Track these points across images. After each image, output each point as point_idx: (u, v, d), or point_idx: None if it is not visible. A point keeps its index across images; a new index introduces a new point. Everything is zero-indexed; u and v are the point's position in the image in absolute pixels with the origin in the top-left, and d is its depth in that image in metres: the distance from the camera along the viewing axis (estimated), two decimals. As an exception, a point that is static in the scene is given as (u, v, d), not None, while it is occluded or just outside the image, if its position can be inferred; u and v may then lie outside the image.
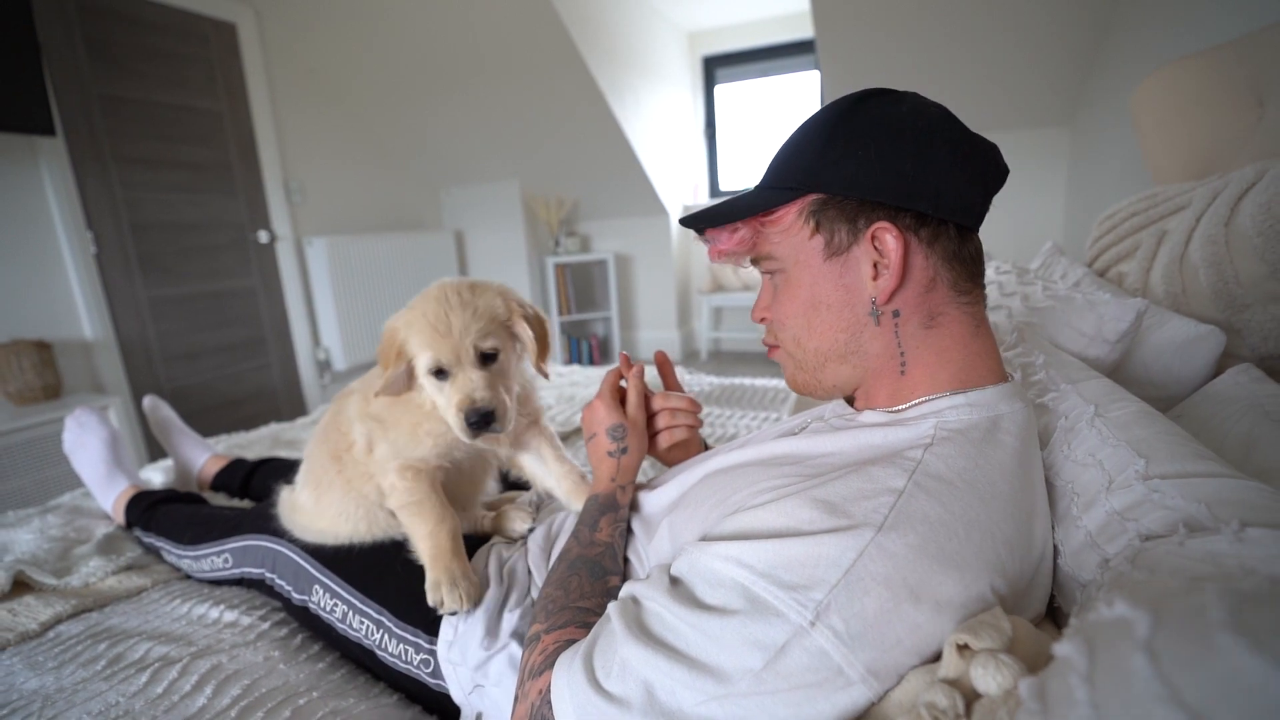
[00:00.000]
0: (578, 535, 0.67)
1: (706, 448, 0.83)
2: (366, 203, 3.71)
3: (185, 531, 1.00)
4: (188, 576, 1.00)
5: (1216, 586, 0.21)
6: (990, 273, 1.16)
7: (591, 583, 0.60)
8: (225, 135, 2.98)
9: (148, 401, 1.34)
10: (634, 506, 0.70)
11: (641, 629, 0.45)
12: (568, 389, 1.71)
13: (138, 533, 1.07)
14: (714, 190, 4.42)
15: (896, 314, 0.52)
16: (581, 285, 4.26)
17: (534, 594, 0.71)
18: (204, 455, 1.29)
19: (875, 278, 0.51)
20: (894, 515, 0.41)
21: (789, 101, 4.19)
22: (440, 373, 0.71)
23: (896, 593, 0.39)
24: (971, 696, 0.34)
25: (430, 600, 0.69)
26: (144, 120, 2.67)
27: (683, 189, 4.23)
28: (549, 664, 0.50)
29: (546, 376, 0.79)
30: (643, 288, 4.27)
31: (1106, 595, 0.30)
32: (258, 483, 1.19)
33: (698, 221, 0.59)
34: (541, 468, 0.85)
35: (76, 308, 2.49)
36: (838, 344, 0.54)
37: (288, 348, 3.34)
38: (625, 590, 0.51)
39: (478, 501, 0.91)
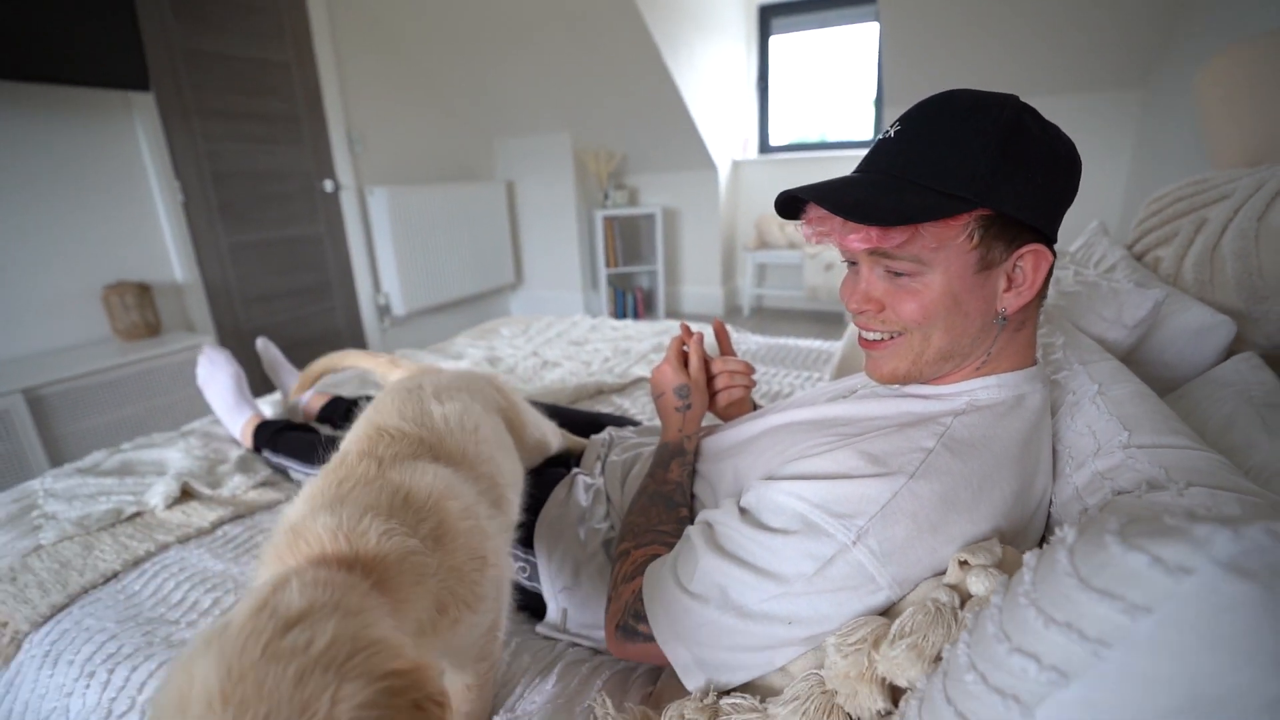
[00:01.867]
0: (653, 474, 0.79)
1: (755, 406, 0.96)
2: (422, 152, 3.83)
3: (311, 453, 1.18)
4: (311, 493, 1.19)
5: (1120, 511, 0.32)
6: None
7: (666, 512, 0.74)
8: (293, 86, 3.11)
9: (260, 343, 1.53)
10: (698, 453, 0.84)
11: (717, 545, 0.59)
12: (622, 343, 1.84)
13: (266, 454, 1.27)
14: (764, 145, 4.37)
15: (1005, 321, 0.58)
16: (629, 238, 4.34)
17: (612, 514, 0.86)
18: (308, 391, 1.48)
19: (1008, 290, 0.56)
20: (923, 468, 0.54)
21: (845, 54, 4.08)
22: None
23: (920, 526, 0.52)
24: (965, 597, 0.47)
25: None
26: (221, 73, 2.82)
27: (732, 143, 4.21)
28: (639, 571, 0.65)
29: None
30: (688, 242, 4.32)
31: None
32: (357, 416, 1.38)
33: (852, 207, 0.55)
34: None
35: (169, 253, 2.72)
36: (960, 345, 0.59)
37: (350, 292, 3.55)
38: (701, 517, 0.65)
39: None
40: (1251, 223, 0.89)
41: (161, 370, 2.42)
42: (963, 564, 0.49)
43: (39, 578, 0.90)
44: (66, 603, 0.86)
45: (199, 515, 1.06)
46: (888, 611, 0.52)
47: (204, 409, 2.53)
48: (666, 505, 0.75)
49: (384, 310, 3.68)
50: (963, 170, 0.52)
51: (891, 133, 0.58)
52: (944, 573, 0.51)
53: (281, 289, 3.21)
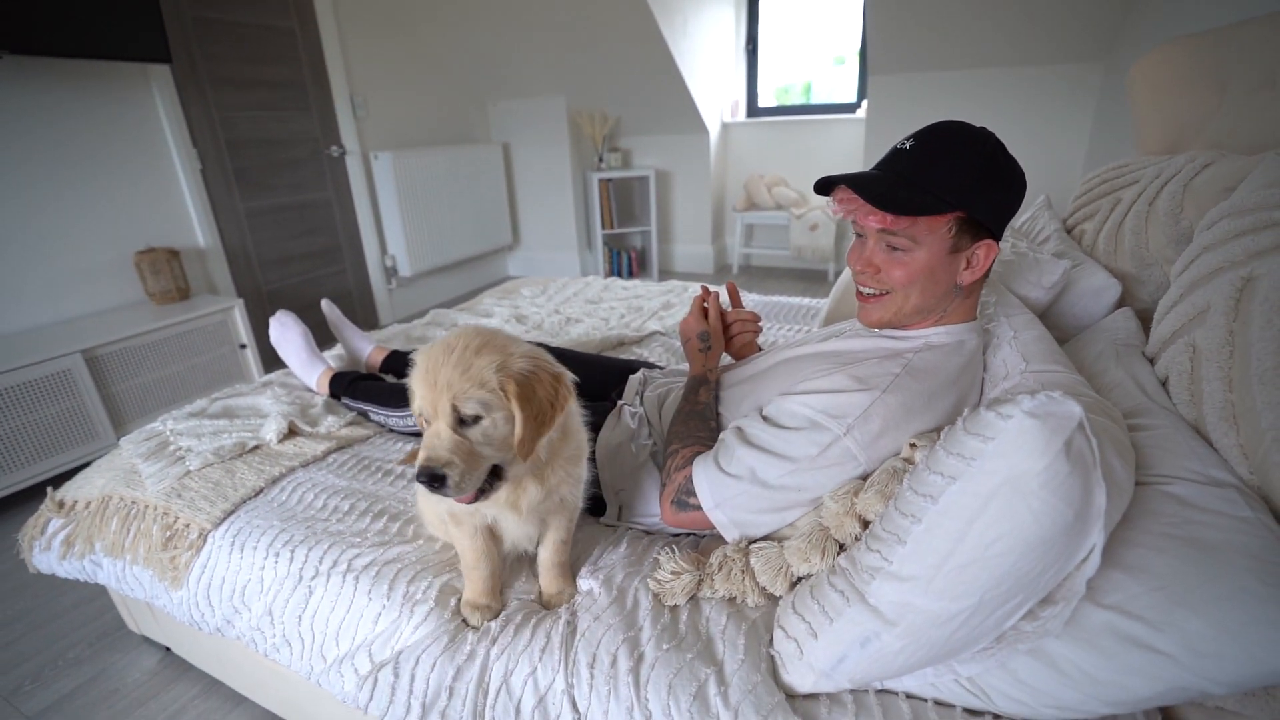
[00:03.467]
0: (687, 398, 1.04)
1: (759, 349, 1.22)
2: (422, 116, 3.93)
3: (389, 399, 1.42)
4: (390, 430, 1.44)
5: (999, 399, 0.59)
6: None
7: (701, 424, 0.99)
8: (298, 53, 3.19)
9: (325, 304, 1.74)
10: (719, 383, 1.10)
11: (746, 440, 0.85)
12: (634, 301, 2.09)
13: (345, 400, 1.50)
14: (752, 108, 4.52)
15: (960, 290, 0.84)
16: (623, 200, 4.51)
17: (654, 435, 1.11)
18: (369, 346, 1.71)
19: (966, 268, 0.81)
20: (892, 386, 0.81)
21: (830, 18, 4.20)
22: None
23: (888, 424, 0.79)
24: (911, 463, 0.74)
25: (462, 612, 0.86)
26: (229, 41, 2.90)
27: (722, 106, 4.35)
28: (688, 463, 0.91)
29: (525, 459, 0.71)
30: (680, 203, 4.51)
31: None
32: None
33: (878, 197, 0.77)
34: (543, 552, 0.90)
35: (191, 219, 2.86)
36: (928, 304, 0.84)
37: (359, 255, 3.71)
38: (732, 424, 0.91)
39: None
40: (1145, 205, 1.15)
41: (197, 332, 2.61)
42: (911, 445, 0.76)
43: (200, 493, 1.15)
44: (232, 509, 1.10)
45: (309, 447, 1.30)
46: (863, 478, 0.79)
47: (238, 367, 2.74)
48: (700, 420, 1.01)
49: (391, 271, 3.84)
50: (954, 183, 0.76)
51: (907, 145, 0.81)
52: (900, 452, 0.78)
53: (295, 252, 3.36)
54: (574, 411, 0.84)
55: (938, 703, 0.67)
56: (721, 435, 0.91)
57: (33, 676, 1.41)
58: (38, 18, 2.09)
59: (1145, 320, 1.05)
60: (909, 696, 0.68)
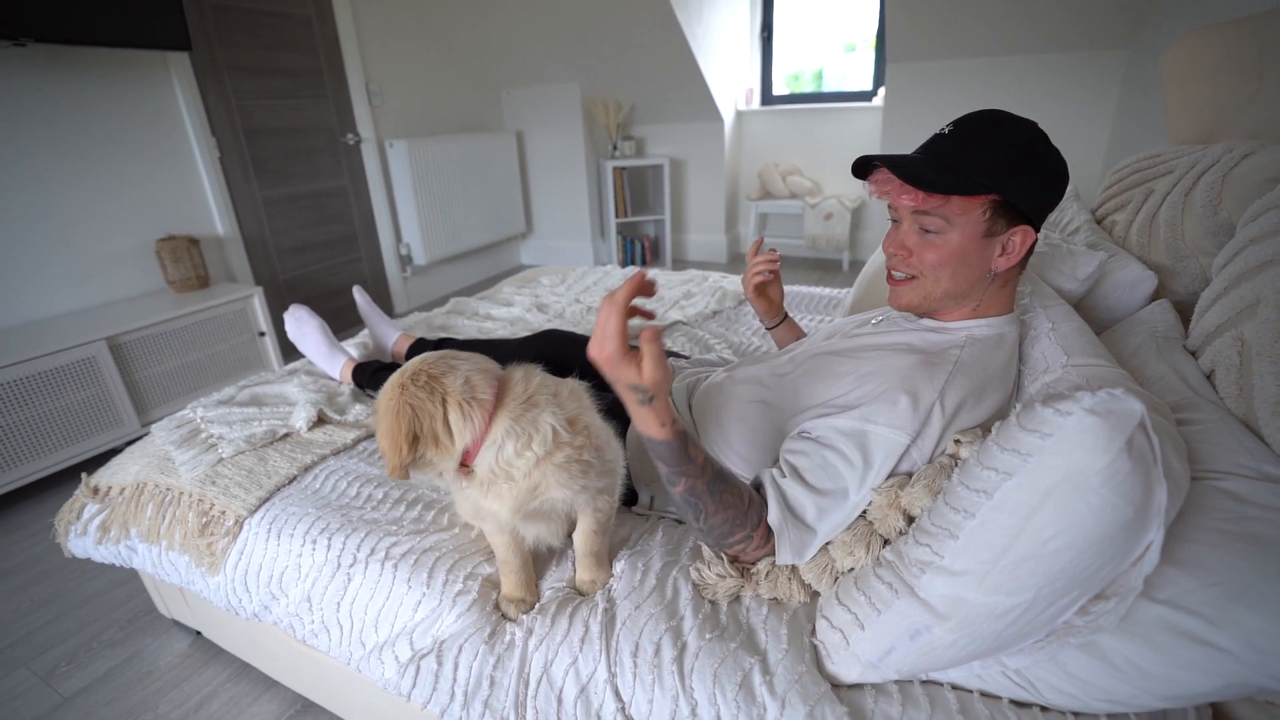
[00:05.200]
0: (687, 473, 0.76)
1: (782, 292, 1.20)
2: (436, 104, 3.91)
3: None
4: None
5: (1045, 394, 0.59)
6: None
7: (734, 484, 0.80)
8: (315, 41, 3.18)
9: (356, 290, 1.76)
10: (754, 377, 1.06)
11: (810, 488, 0.79)
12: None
13: (369, 393, 1.51)
14: (766, 96, 4.48)
15: (995, 276, 0.81)
16: (636, 188, 4.49)
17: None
18: (395, 334, 1.71)
19: (1001, 254, 0.78)
20: (947, 383, 0.79)
21: (843, 5, 4.14)
22: None
23: (944, 427, 0.78)
24: (958, 458, 0.74)
25: (501, 607, 0.87)
26: (246, 29, 2.89)
27: (736, 94, 4.31)
28: (765, 543, 0.81)
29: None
30: (694, 192, 4.48)
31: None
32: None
33: (912, 176, 0.75)
34: (578, 540, 0.90)
35: (210, 207, 2.87)
36: (960, 289, 0.81)
37: (374, 243, 3.72)
38: (789, 473, 0.82)
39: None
40: (1180, 196, 1.13)
41: (217, 320, 2.62)
42: (956, 442, 0.75)
43: (234, 480, 1.16)
44: (267, 496, 1.12)
45: (339, 435, 1.31)
46: (910, 474, 0.79)
47: (257, 355, 2.76)
48: (727, 485, 0.79)
49: (406, 260, 3.85)
50: (991, 166, 0.74)
51: (946, 131, 0.79)
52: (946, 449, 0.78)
53: (312, 241, 3.37)
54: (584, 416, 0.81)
55: (984, 694, 0.67)
56: (782, 485, 0.81)
57: (68, 658, 1.44)
58: (61, 7, 2.10)
59: (1181, 313, 1.04)
60: (954, 687, 0.68)
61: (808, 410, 0.87)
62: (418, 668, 0.83)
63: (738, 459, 0.94)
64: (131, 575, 1.67)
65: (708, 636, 0.76)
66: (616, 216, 4.28)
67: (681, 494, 0.78)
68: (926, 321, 0.89)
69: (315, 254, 3.40)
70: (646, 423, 0.73)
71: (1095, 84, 2.99)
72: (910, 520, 0.73)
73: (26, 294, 2.32)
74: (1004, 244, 0.79)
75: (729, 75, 4.17)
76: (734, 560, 0.84)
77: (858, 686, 0.69)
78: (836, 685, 0.69)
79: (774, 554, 0.81)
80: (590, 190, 4.35)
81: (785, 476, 0.82)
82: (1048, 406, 0.56)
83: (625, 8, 3.46)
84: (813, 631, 0.75)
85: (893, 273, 0.86)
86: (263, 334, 2.78)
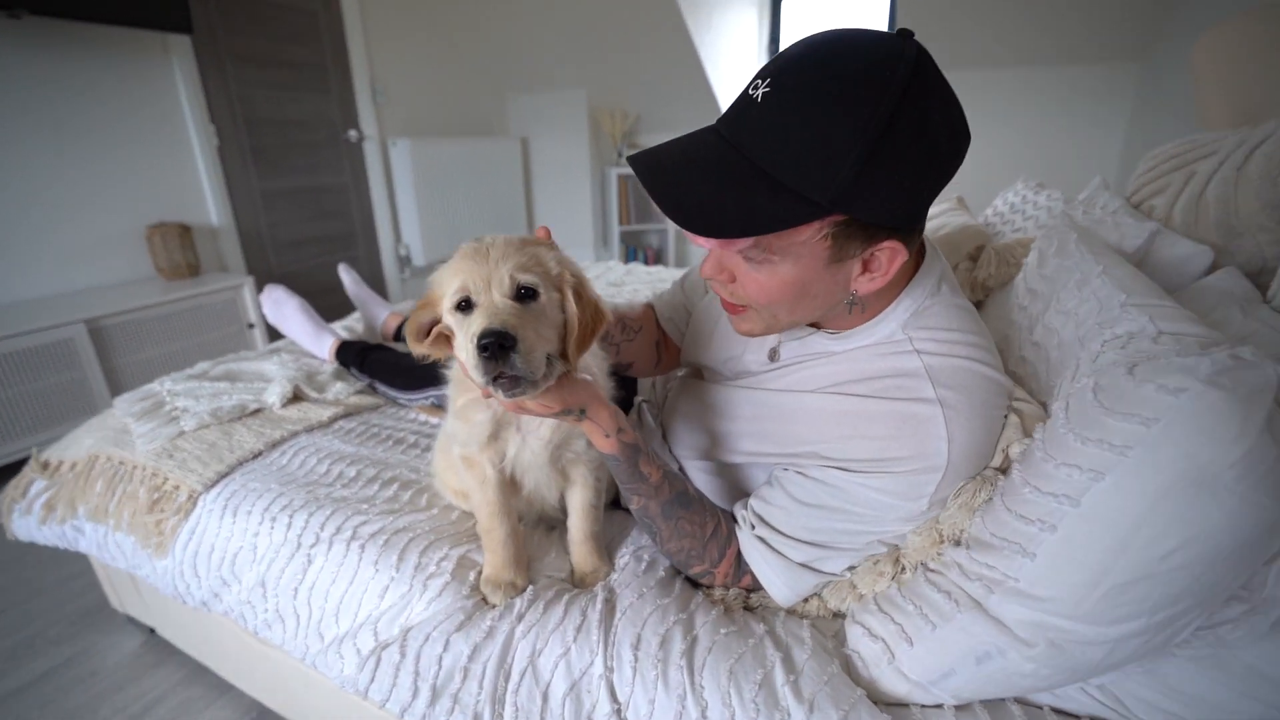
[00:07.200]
0: (639, 491, 0.70)
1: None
2: (441, 105, 3.88)
3: (396, 378, 1.32)
4: (400, 405, 1.34)
5: (1124, 361, 0.49)
6: (1042, 199, 1.38)
7: (695, 511, 0.71)
8: (320, 34, 3.14)
9: (342, 268, 1.67)
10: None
11: (809, 531, 0.67)
12: (657, 285, 1.99)
13: (354, 372, 1.41)
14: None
15: (855, 301, 0.61)
16: (640, 197, 4.43)
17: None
18: (384, 312, 1.62)
19: (864, 273, 0.57)
20: (952, 436, 0.59)
21: (849, 18, 4.14)
22: (466, 305, 0.61)
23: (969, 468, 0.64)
24: (1006, 463, 0.63)
25: (482, 589, 0.76)
26: (251, 18, 2.85)
27: (742, 106, 4.28)
28: (741, 574, 0.71)
29: (575, 359, 0.63)
30: (697, 204, 4.43)
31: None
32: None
33: (687, 221, 0.53)
34: (572, 520, 0.81)
35: (205, 196, 2.79)
36: (810, 316, 0.63)
37: (373, 242, 3.64)
38: (763, 515, 0.69)
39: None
40: (1232, 171, 1.05)
41: (206, 308, 2.53)
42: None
43: (194, 454, 1.05)
44: (228, 471, 1.01)
45: (314, 413, 1.20)
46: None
47: (245, 346, 2.66)
48: (684, 506, 0.71)
49: (405, 260, 3.77)
50: (825, 174, 0.49)
51: (758, 95, 0.51)
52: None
53: (310, 235, 3.29)
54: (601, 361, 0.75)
55: (1058, 711, 0.56)
56: (765, 518, 0.69)
57: (7, 656, 1.30)
58: (59, -20, 2.04)
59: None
60: (1019, 701, 0.57)
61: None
62: (378, 660, 0.72)
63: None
64: (86, 568, 1.54)
65: (723, 631, 0.65)
66: (620, 224, 4.22)
67: (637, 512, 0.72)
68: (849, 333, 0.67)
69: (312, 249, 3.32)
70: (593, 434, 0.68)
71: (1107, 97, 2.94)
72: (956, 542, 0.61)
73: (10, 275, 2.23)
74: (865, 262, 0.57)
75: (735, 87, 4.15)
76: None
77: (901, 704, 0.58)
78: (876, 701, 0.58)
79: (752, 587, 0.71)
80: (594, 198, 4.30)
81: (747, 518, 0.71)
82: (1146, 381, 0.45)
83: (636, 15, 3.44)
84: (836, 634, 0.64)
85: (722, 296, 0.65)
86: (252, 326, 2.68)
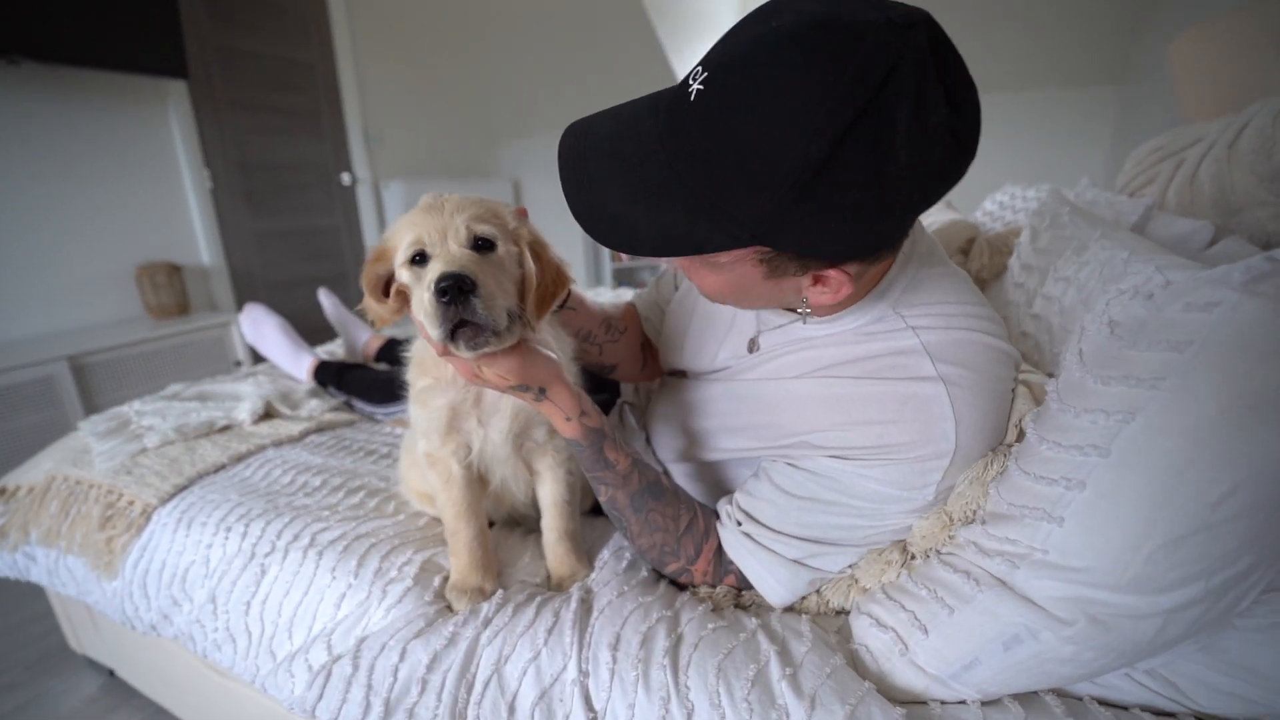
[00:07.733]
0: (606, 480, 0.65)
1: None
2: (434, 150, 3.95)
3: (373, 392, 1.28)
4: (376, 421, 1.29)
5: (1136, 297, 0.44)
6: (1031, 194, 1.36)
7: (668, 503, 0.65)
8: (315, 84, 3.23)
9: (321, 293, 1.64)
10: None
11: (806, 529, 0.60)
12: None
13: (331, 390, 1.36)
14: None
15: (811, 311, 0.58)
16: (631, 235, 4.48)
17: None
18: (366, 334, 1.58)
19: (814, 285, 0.51)
20: (960, 424, 0.53)
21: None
22: (421, 258, 0.58)
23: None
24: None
25: (447, 597, 0.69)
26: (250, 69, 2.93)
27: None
28: (723, 573, 0.65)
29: (537, 319, 0.60)
30: (690, 239, 4.47)
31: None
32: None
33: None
34: (545, 519, 0.75)
35: (196, 236, 2.80)
36: (770, 309, 0.63)
37: (366, 284, 3.64)
38: (753, 515, 0.63)
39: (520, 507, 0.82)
40: (1224, 150, 1.03)
41: (193, 345, 2.50)
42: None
43: (154, 469, 0.99)
44: (186, 484, 0.95)
45: (285, 428, 1.15)
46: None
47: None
48: (656, 497, 0.65)
49: (398, 301, 3.76)
50: (749, 203, 0.42)
51: (693, 92, 0.43)
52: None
53: (301, 276, 3.29)
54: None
55: (1103, 703, 0.48)
56: (756, 517, 0.62)
57: (-47, 704, 1.21)
58: (58, 26, 2.10)
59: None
60: (1056, 691, 0.49)
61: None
62: (328, 674, 0.64)
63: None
64: (48, 609, 1.45)
65: (710, 626, 0.58)
66: (612, 262, 4.24)
67: (606, 505, 0.67)
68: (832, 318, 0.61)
69: (304, 290, 3.30)
70: (553, 417, 0.64)
71: (1085, 123, 3.00)
72: (968, 521, 0.55)
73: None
74: (816, 277, 0.50)
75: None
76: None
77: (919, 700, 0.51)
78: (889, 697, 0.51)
79: (738, 586, 0.65)
80: (586, 239, 4.33)
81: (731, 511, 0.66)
82: (1170, 303, 0.40)
83: (626, 63, 3.54)
84: (838, 631, 0.57)
85: None
86: (239, 363, 2.64)
